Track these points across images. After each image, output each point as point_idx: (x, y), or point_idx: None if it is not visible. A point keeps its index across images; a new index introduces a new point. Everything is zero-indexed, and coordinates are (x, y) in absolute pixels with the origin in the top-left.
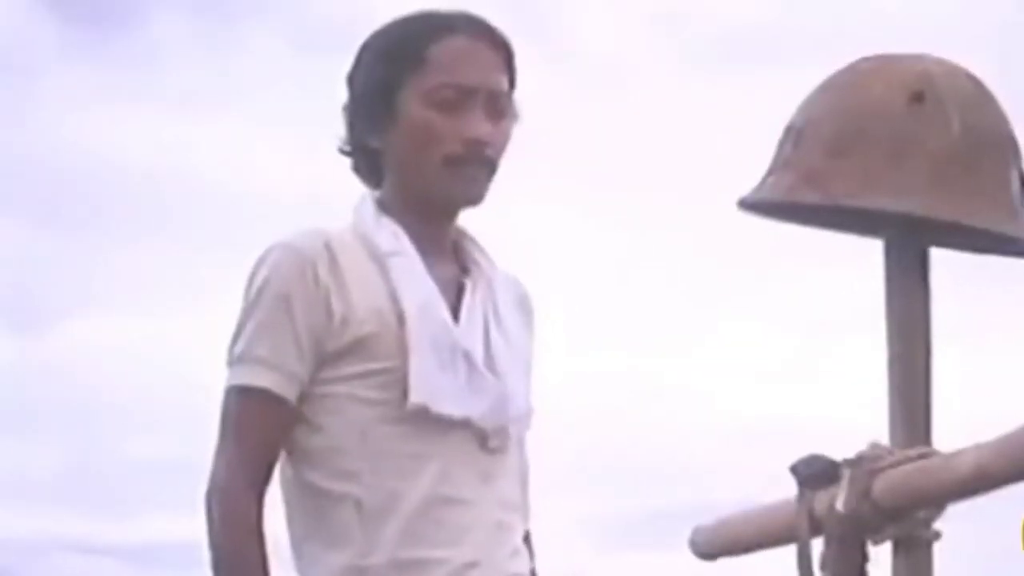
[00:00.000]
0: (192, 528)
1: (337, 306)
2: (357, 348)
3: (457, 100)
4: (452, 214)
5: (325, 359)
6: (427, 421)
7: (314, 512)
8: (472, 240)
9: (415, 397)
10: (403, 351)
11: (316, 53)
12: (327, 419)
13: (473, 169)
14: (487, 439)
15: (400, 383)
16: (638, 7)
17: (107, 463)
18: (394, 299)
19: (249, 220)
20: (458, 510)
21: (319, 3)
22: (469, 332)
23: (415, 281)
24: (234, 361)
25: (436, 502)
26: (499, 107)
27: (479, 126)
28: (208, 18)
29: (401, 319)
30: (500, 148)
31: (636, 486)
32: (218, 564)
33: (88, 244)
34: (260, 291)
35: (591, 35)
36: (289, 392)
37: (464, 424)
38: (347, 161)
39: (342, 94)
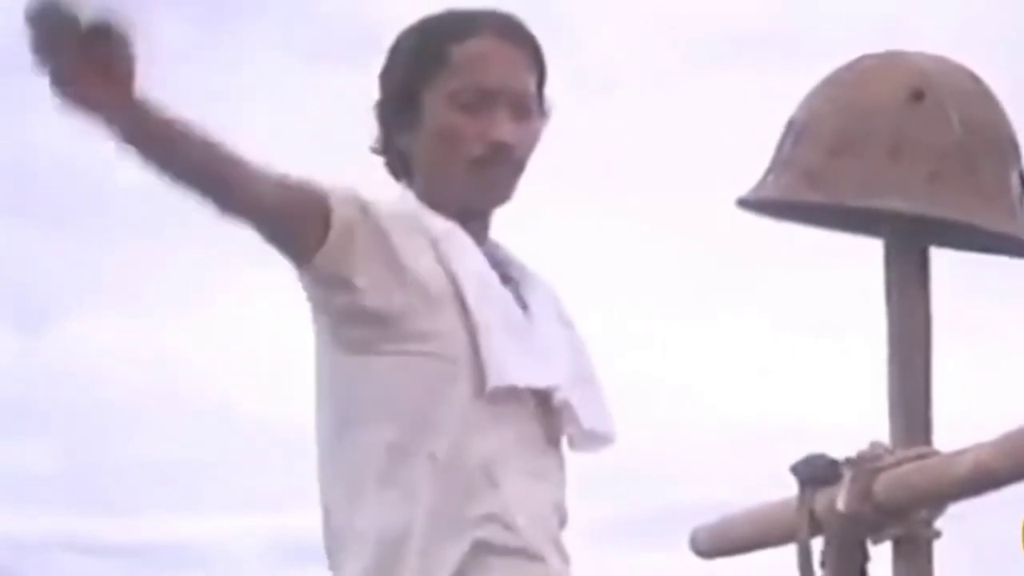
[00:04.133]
0: (191, 527)
1: (407, 274)
2: (422, 313)
3: (481, 102)
4: (481, 215)
5: (392, 311)
6: (502, 393)
7: (384, 467)
8: (503, 248)
9: (494, 380)
10: (468, 327)
11: (318, 61)
12: (398, 375)
13: (497, 170)
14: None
15: (469, 360)
16: (638, 7)
17: (106, 462)
18: (452, 279)
19: None
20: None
21: (322, 11)
22: (539, 319)
23: (469, 254)
24: None
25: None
26: (525, 106)
27: (503, 128)
28: (209, 23)
29: (460, 296)
30: (527, 148)
31: (635, 486)
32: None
33: (88, 244)
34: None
35: (591, 35)
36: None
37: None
38: (347, 165)
39: (346, 98)
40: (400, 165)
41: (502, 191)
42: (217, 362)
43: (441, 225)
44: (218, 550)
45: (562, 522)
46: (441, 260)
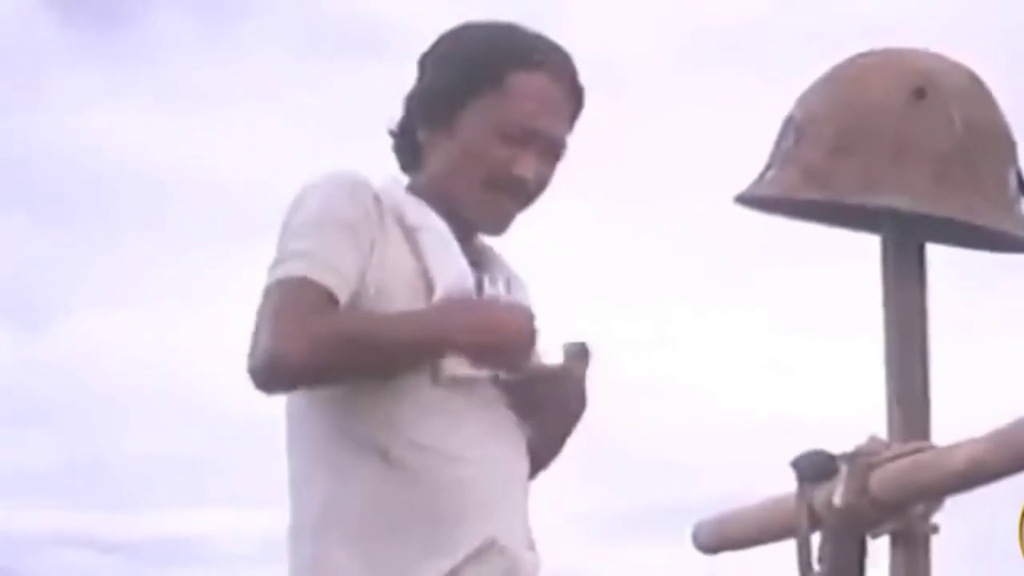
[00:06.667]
0: (190, 523)
1: (373, 258)
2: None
3: (520, 137)
4: (471, 232)
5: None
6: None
7: (336, 455)
8: (485, 243)
9: (448, 369)
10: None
11: (317, 54)
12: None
13: (508, 201)
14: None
15: None
16: (638, 6)
17: (106, 458)
18: (425, 272)
19: (249, 218)
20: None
21: (321, 4)
22: None
23: (449, 256)
24: (292, 257)
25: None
26: (555, 152)
27: (530, 166)
28: (209, 17)
29: (431, 290)
30: (541, 188)
31: (634, 481)
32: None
33: (89, 241)
34: (322, 212)
35: (590, 33)
36: (343, 297)
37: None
38: (347, 159)
39: (344, 95)
40: (409, 152)
41: (501, 222)
42: (217, 358)
43: (424, 217)
44: (218, 545)
45: (527, 524)
46: (416, 253)
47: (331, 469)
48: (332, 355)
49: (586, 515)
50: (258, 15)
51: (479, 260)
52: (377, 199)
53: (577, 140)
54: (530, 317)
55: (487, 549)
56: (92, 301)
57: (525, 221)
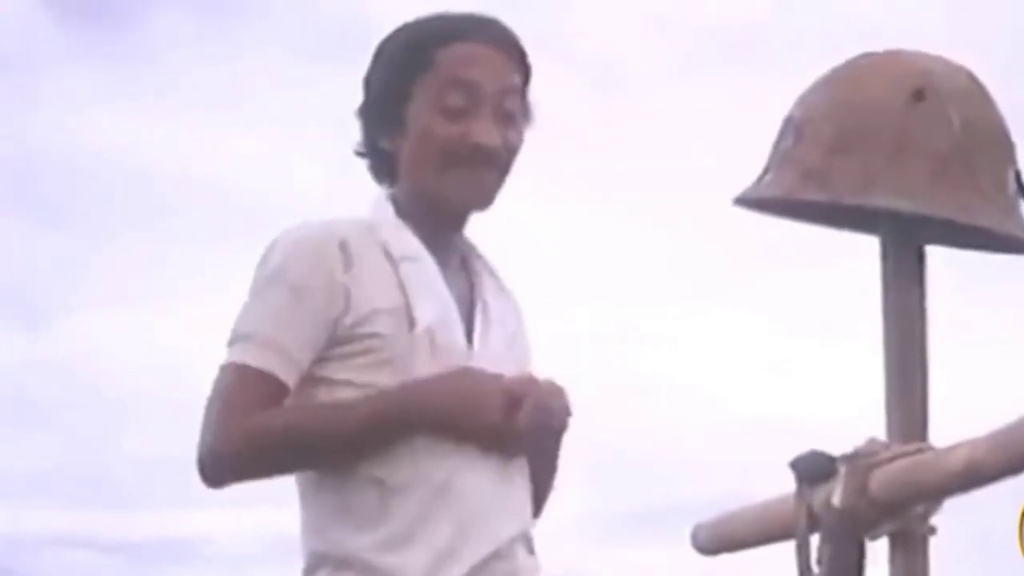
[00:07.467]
0: (191, 523)
1: (351, 305)
2: (370, 344)
3: (465, 105)
4: (459, 219)
5: (334, 348)
6: None
7: (339, 493)
8: (480, 256)
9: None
10: (413, 355)
11: (316, 54)
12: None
13: (473, 171)
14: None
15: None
16: (637, 7)
17: (106, 458)
18: (408, 306)
19: (249, 219)
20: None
21: (321, 4)
22: (482, 353)
23: (431, 289)
24: (237, 340)
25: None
26: (508, 111)
27: (485, 132)
28: (209, 18)
29: (413, 325)
30: (510, 152)
31: (633, 482)
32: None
33: (89, 242)
34: (273, 276)
35: (590, 33)
36: (289, 376)
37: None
38: (344, 162)
39: (342, 95)
40: (384, 168)
41: (479, 193)
42: (217, 358)
43: (407, 247)
44: (218, 545)
45: (527, 529)
46: (401, 286)
47: (338, 509)
48: (268, 454)
49: (586, 516)
50: (257, 15)
51: (467, 270)
52: (344, 246)
53: (578, 140)
54: (496, 387)
55: (490, 557)
56: (92, 301)
57: (524, 222)
